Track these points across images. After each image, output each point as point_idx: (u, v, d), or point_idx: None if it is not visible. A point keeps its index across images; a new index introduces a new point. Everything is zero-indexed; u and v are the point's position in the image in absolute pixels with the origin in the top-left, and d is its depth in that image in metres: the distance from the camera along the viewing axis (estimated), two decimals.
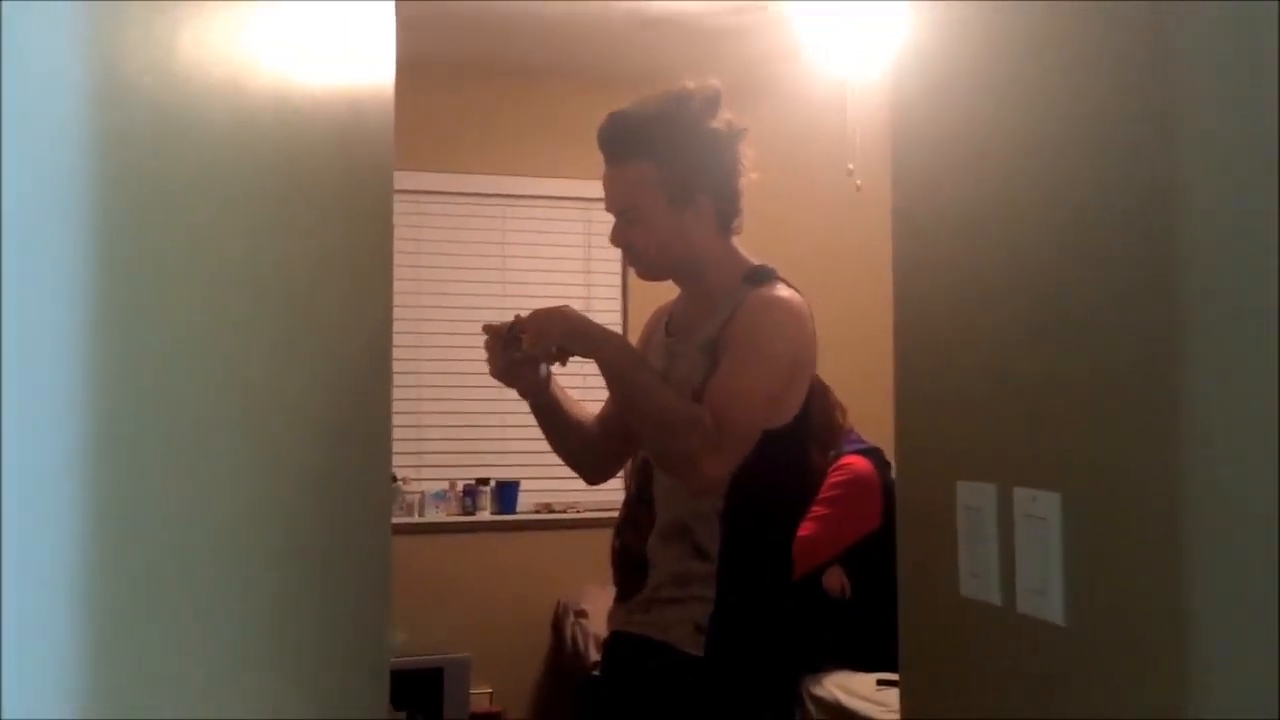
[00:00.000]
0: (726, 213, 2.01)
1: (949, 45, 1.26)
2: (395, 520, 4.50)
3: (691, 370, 1.95)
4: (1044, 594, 1.05)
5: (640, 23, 4.41)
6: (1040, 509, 1.05)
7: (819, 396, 3.62)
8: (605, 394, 2.09)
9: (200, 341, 0.74)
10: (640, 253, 2.02)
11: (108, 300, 0.59)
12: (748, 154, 2.01)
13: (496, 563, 4.78)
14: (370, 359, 1.25)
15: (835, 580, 3.53)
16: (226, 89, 0.79)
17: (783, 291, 1.97)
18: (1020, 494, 1.09)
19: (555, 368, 1.98)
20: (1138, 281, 0.94)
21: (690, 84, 1.98)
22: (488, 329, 1.98)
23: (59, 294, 0.55)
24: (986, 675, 1.16)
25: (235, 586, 0.80)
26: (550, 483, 4.61)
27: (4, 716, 0.50)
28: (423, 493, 4.75)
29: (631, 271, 5.26)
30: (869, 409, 3.44)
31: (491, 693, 4.69)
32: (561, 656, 4.65)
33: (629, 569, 2.00)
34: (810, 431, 2.07)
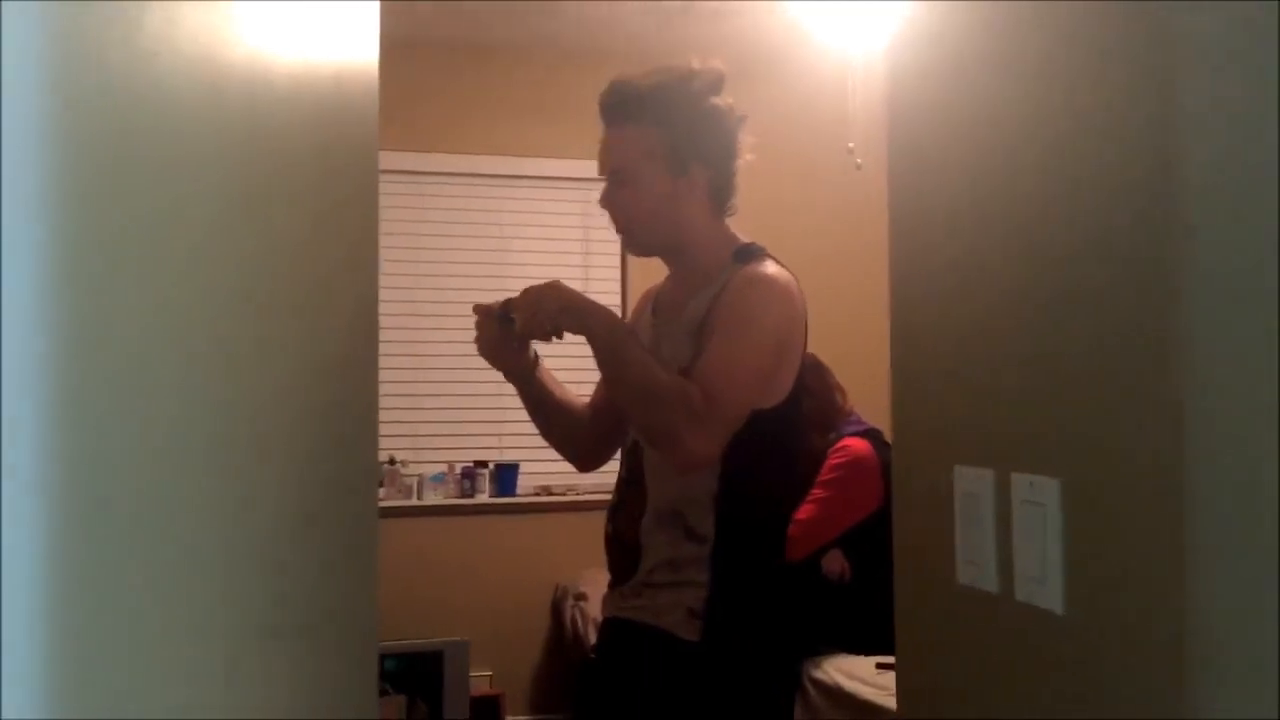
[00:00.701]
0: (721, 190, 1.99)
1: (947, 23, 1.23)
2: (393, 503, 4.52)
3: (677, 350, 1.93)
4: (1042, 581, 1.02)
5: (642, 2, 4.37)
6: (1038, 495, 1.03)
7: (818, 377, 3.61)
8: (595, 382, 2.07)
9: (174, 327, 0.72)
10: (630, 218, 1.98)
11: (71, 285, 0.57)
12: (747, 140, 2.00)
13: (495, 545, 4.77)
14: (355, 339, 1.23)
15: (835, 563, 3.52)
16: (199, 66, 0.77)
17: (770, 268, 1.94)
18: (1018, 479, 1.06)
19: (546, 345, 1.96)
20: (1137, 264, 0.92)
21: (695, 63, 1.97)
22: (478, 309, 1.96)
23: (19, 279, 0.53)
24: (983, 663, 1.14)
25: (216, 572, 0.78)
26: (549, 465, 4.59)
27: None
28: (421, 475, 4.74)
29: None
30: (869, 390, 3.42)
31: (491, 675, 4.69)
32: (561, 640, 4.64)
33: (621, 553, 1.98)
34: (805, 413, 2.05)
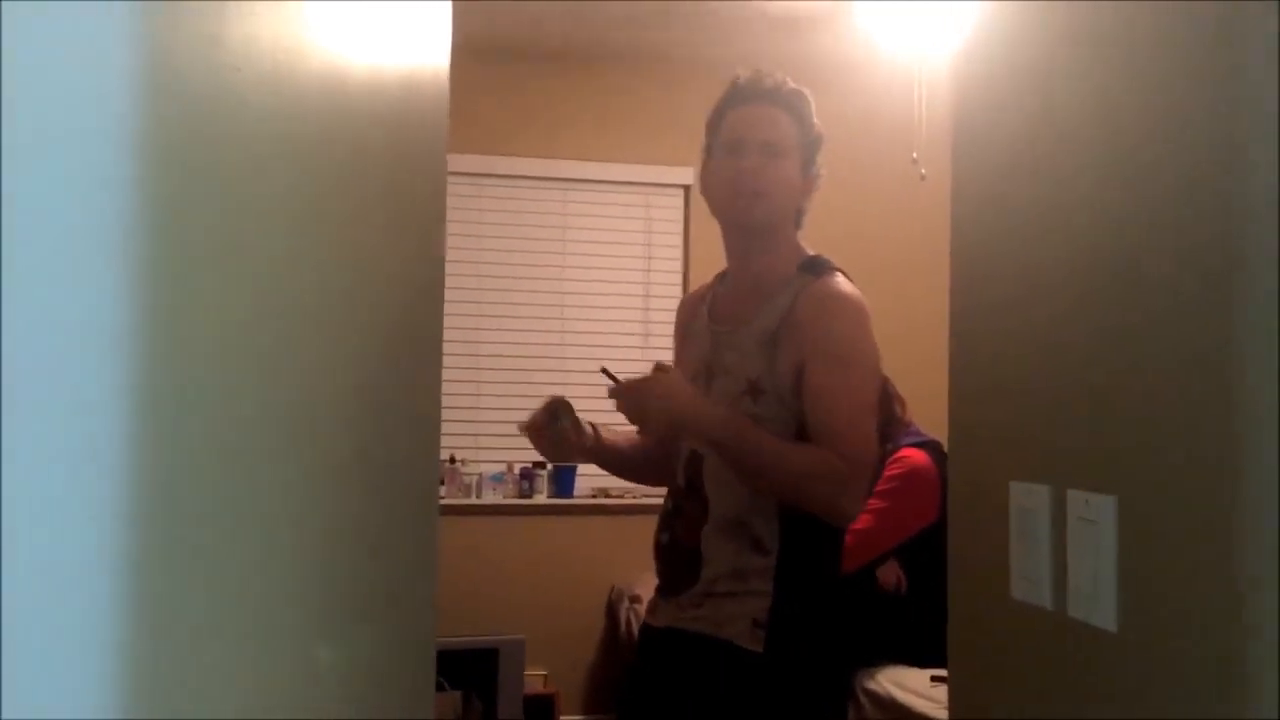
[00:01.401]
0: (802, 205, 2.05)
1: (1011, 33, 1.23)
2: (453, 501, 4.57)
3: (744, 361, 1.93)
4: (1095, 598, 1.02)
5: (705, 10, 4.39)
6: (1093, 512, 1.03)
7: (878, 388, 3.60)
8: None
9: (249, 326, 0.74)
10: (773, 188, 1.98)
11: (155, 288, 0.60)
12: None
13: (552, 546, 4.80)
14: (420, 340, 1.25)
15: (891, 574, 3.50)
16: (276, 75, 0.79)
17: (846, 286, 1.96)
18: (1074, 496, 1.06)
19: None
20: (1198, 282, 0.92)
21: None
22: (523, 430, 2.05)
23: (107, 282, 0.56)
24: (1035, 678, 1.14)
25: (281, 566, 0.81)
26: None
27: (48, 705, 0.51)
28: (480, 474, 4.78)
29: (692, 256, 5.23)
30: (929, 402, 3.40)
31: (546, 675, 4.72)
32: (615, 640, 4.66)
33: (679, 563, 1.97)
34: None
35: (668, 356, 2.25)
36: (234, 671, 0.71)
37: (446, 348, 1.44)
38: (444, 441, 1.53)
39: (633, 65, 4.86)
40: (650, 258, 5.00)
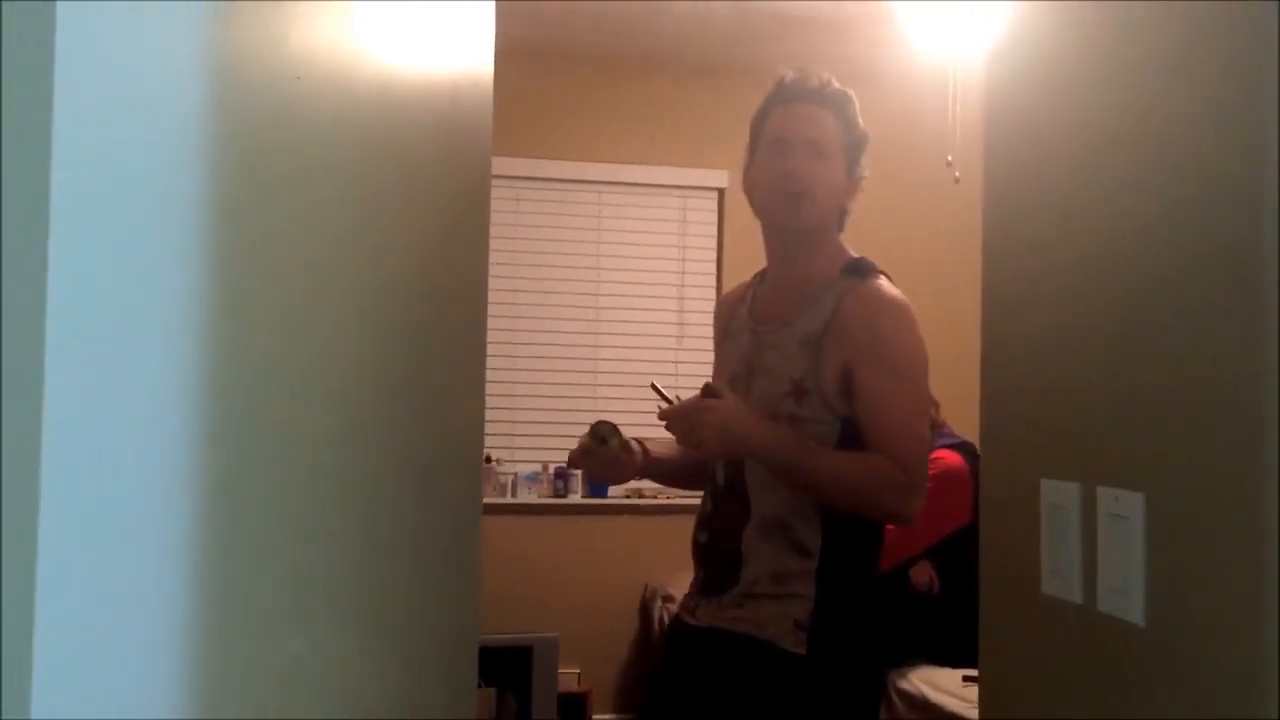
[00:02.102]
0: (846, 207, 2.05)
1: (1042, 34, 1.25)
2: (488, 500, 4.60)
3: (786, 361, 1.94)
4: (1125, 594, 1.04)
5: (739, 12, 4.41)
6: (1124, 508, 1.05)
7: None
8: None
9: (304, 324, 0.77)
10: (818, 189, 1.98)
11: (222, 285, 0.63)
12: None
13: (586, 545, 4.84)
14: (466, 340, 1.28)
15: (924, 575, 3.51)
16: (334, 82, 0.83)
17: (891, 289, 1.97)
18: (1104, 493, 1.08)
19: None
20: (1228, 281, 0.93)
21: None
22: (575, 460, 2.06)
23: (178, 281, 0.59)
24: (1065, 673, 1.16)
25: (331, 562, 0.84)
26: None
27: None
28: (516, 474, 4.83)
29: (726, 259, 5.24)
30: (963, 404, 3.40)
31: (579, 673, 4.75)
32: (649, 640, 4.69)
33: (718, 563, 1.97)
34: None
35: (701, 356, 2.28)
36: (281, 665, 0.73)
37: None
38: None
39: (667, 68, 4.89)
40: (685, 260, 5.03)
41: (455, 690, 1.26)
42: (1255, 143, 0.90)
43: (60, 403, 0.44)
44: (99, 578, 0.49)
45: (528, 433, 4.85)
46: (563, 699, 4.49)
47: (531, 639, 4.43)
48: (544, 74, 4.91)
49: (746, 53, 4.59)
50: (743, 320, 2.10)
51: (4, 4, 0.43)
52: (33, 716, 0.42)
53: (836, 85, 2.02)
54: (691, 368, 4.52)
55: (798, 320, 1.96)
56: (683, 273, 5.02)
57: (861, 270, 1.98)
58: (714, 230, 4.98)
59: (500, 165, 4.72)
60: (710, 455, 1.95)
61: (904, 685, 3.44)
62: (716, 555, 1.98)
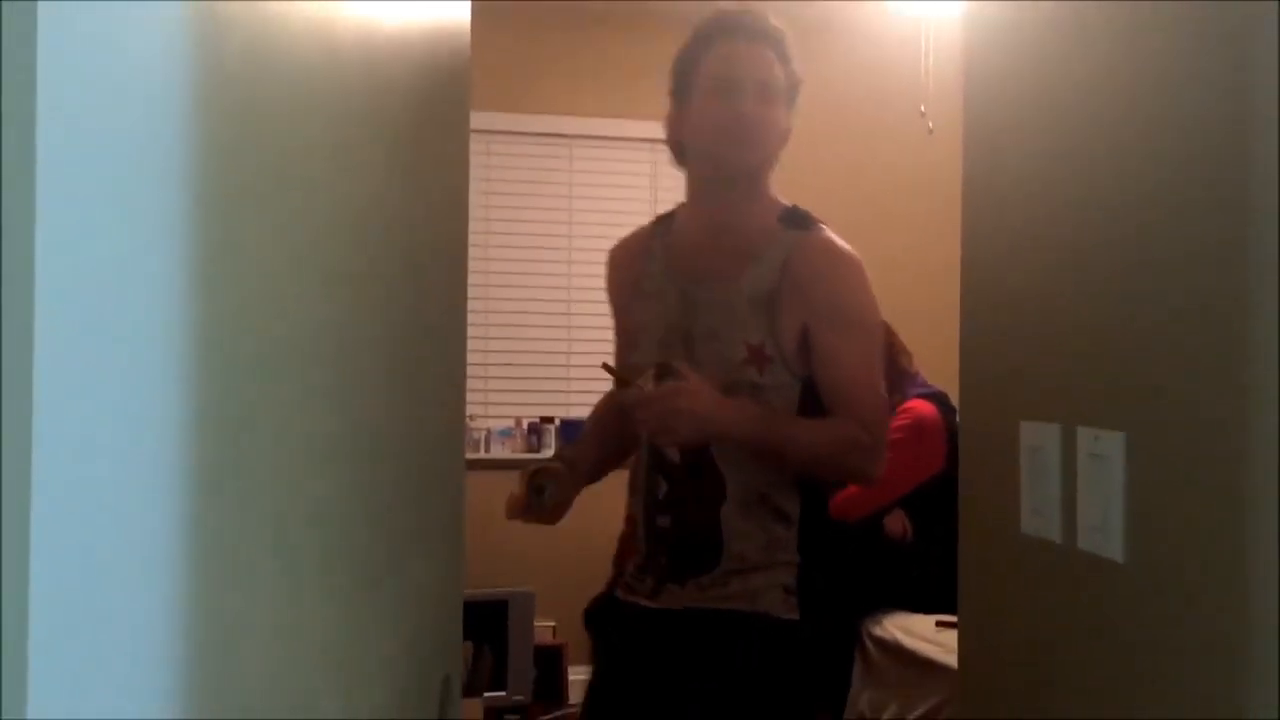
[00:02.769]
0: (778, 153, 1.97)
1: None
2: None
3: (736, 324, 1.85)
4: (1104, 531, 1.06)
5: None
6: (1103, 448, 1.07)
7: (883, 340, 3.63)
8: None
9: (285, 276, 0.77)
10: (764, 134, 1.89)
11: (204, 234, 0.62)
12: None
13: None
14: (448, 293, 1.28)
15: (897, 524, 3.55)
16: (317, 28, 0.82)
17: (840, 241, 1.90)
18: (1084, 433, 1.10)
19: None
20: (1208, 223, 0.95)
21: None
22: (512, 513, 2.08)
23: (159, 228, 0.58)
24: (1045, 610, 1.18)
25: (335, 528, 0.84)
26: None
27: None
28: (489, 429, 4.83)
29: None
30: (935, 353, 3.43)
31: (555, 626, 4.79)
32: None
33: (688, 546, 1.89)
34: None
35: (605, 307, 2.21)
36: (266, 625, 0.73)
37: None
38: None
39: (636, 20, 4.86)
40: (656, 212, 5.00)
41: (442, 645, 1.27)
42: (1239, 81, 0.91)
43: (50, 391, 0.43)
44: (94, 574, 0.48)
45: (501, 388, 4.85)
46: (538, 651, 4.53)
47: (507, 593, 4.46)
48: (514, 27, 4.87)
49: (717, 6, 4.56)
50: (657, 276, 2.00)
51: None
52: (31, 716, 0.42)
53: (775, 22, 1.92)
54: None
55: (740, 276, 1.86)
56: None
57: (802, 220, 1.90)
58: (684, 182, 4.96)
59: (471, 119, 4.69)
60: (682, 445, 1.86)
61: (878, 632, 3.49)
62: (685, 538, 1.90)
